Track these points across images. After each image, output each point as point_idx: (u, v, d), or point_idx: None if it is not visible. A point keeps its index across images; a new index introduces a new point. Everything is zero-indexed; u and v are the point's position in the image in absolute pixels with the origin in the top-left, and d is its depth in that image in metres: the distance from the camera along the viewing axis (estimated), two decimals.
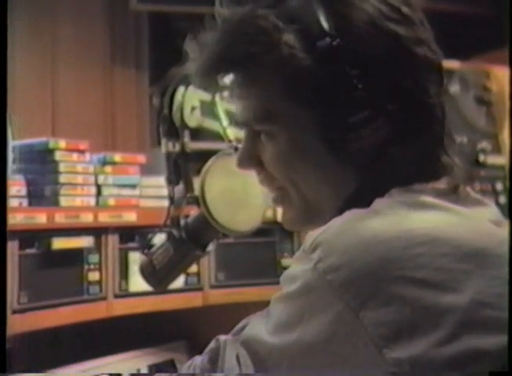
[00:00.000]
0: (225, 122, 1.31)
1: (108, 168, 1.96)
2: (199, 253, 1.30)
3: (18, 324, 1.66)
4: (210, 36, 0.91)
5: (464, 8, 2.93)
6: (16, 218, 1.67)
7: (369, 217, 0.81)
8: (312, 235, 0.83)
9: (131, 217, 1.92)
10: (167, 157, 1.31)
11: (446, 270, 0.78)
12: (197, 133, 1.44)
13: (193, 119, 1.36)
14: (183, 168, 1.30)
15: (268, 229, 2.05)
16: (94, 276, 1.86)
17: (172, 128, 1.30)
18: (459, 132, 2.40)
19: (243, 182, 1.26)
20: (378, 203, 0.84)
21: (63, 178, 1.85)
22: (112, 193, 1.95)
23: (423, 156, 0.90)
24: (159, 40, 2.71)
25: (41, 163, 1.88)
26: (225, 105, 1.32)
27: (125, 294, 1.92)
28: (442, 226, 0.81)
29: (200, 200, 1.23)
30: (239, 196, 1.26)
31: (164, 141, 1.31)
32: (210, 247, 1.30)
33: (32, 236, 1.72)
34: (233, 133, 1.29)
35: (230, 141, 1.29)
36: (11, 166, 1.90)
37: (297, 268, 0.83)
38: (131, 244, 1.93)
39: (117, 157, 1.99)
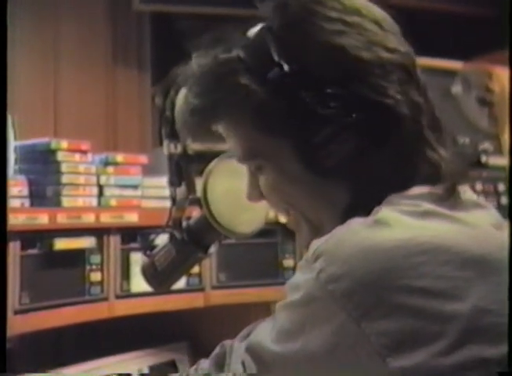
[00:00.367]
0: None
1: (110, 169, 1.96)
2: (201, 255, 1.29)
3: (20, 325, 1.66)
4: (186, 94, 0.97)
5: (467, 8, 2.93)
6: (18, 219, 1.67)
7: (369, 226, 0.81)
8: (316, 243, 0.83)
9: (132, 217, 1.92)
10: (169, 159, 1.31)
11: (448, 278, 0.77)
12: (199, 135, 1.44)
13: None
14: (185, 169, 1.30)
15: (270, 230, 2.05)
16: (96, 276, 1.86)
17: (174, 129, 1.30)
18: (461, 133, 2.41)
19: (245, 183, 1.26)
20: (378, 211, 0.84)
21: (65, 179, 1.85)
22: (114, 193, 1.95)
23: (407, 156, 0.90)
24: (161, 40, 2.71)
25: (43, 163, 1.88)
26: None
27: (127, 294, 1.91)
28: (442, 234, 0.81)
29: (202, 202, 1.23)
30: (242, 197, 1.26)
31: (166, 142, 1.31)
32: (213, 249, 1.30)
33: (34, 237, 1.72)
34: None
35: None
36: (13, 166, 1.90)
37: (300, 276, 0.83)
38: (132, 245, 1.93)
39: (119, 158, 1.99)
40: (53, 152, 1.86)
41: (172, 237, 1.29)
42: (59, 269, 1.78)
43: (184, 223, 1.29)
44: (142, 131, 2.64)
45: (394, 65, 0.89)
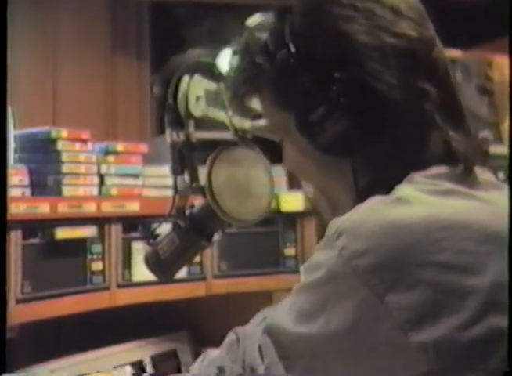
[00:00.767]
0: (230, 112, 1.30)
1: (110, 158, 1.96)
2: (204, 243, 1.29)
3: (21, 314, 1.67)
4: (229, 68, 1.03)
5: None
6: (19, 208, 1.66)
7: (391, 203, 0.84)
8: (335, 223, 0.84)
9: (133, 206, 1.92)
10: (171, 147, 1.30)
11: (468, 253, 0.80)
12: (202, 123, 1.43)
13: (198, 109, 1.35)
14: (188, 157, 1.29)
15: (271, 218, 2.05)
16: (97, 265, 1.86)
17: (177, 117, 1.29)
18: None
19: (248, 171, 1.25)
20: (399, 189, 0.86)
21: (65, 168, 1.85)
22: (114, 182, 1.95)
23: (415, 139, 0.91)
24: (160, 29, 2.69)
25: (44, 152, 1.88)
26: None
27: (128, 283, 1.92)
28: (463, 211, 0.84)
29: (206, 190, 1.23)
30: (245, 185, 1.26)
31: (168, 131, 1.30)
32: (216, 237, 1.30)
33: (35, 226, 1.72)
34: (239, 123, 1.29)
35: (236, 131, 1.28)
36: (13, 155, 1.89)
37: (321, 255, 0.84)
38: (134, 234, 1.93)
39: (120, 147, 1.98)
40: (53, 141, 1.85)
41: (175, 226, 1.29)
42: (60, 258, 1.78)
43: (187, 211, 1.29)
44: (142, 120, 2.64)
45: (397, 50, 0.90)
